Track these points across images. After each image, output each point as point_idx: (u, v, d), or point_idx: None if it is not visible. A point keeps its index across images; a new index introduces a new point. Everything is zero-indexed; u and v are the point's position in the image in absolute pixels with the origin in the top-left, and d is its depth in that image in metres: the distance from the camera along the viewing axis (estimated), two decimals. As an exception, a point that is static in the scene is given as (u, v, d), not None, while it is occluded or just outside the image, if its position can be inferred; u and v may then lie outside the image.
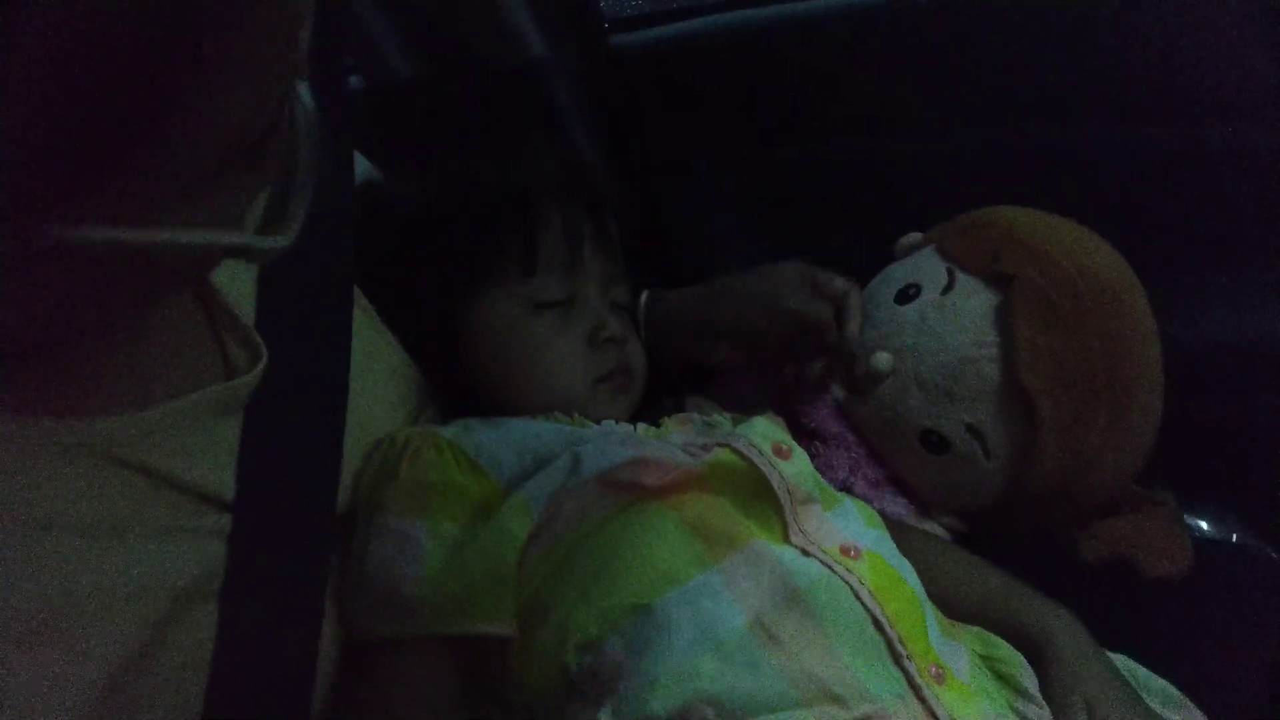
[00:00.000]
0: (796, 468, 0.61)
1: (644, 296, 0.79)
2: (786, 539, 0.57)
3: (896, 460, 0.79)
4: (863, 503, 0.67)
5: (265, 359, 0.51)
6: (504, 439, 0.61)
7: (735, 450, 0.61)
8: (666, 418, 0.69)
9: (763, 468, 0.60)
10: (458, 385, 0.70)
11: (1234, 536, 0.85)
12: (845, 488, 0.77)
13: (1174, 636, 0.73)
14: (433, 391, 0.71)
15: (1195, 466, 0.82)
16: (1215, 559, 0.81)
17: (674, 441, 0.63)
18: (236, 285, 0.54)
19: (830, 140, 1.07)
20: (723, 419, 0.69)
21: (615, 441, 0.61)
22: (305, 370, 0.55)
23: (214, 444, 0.49)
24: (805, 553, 0.56)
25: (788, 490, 0.59)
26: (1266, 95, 0.96)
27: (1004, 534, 0.79)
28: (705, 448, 0.61)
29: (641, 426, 0.68)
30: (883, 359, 0.76)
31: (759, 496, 0.59)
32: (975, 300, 0.74)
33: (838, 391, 0.81)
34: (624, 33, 1.08)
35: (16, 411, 0.41)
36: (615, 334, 0.70)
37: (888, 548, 0.62)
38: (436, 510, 0.56)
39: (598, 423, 0.67)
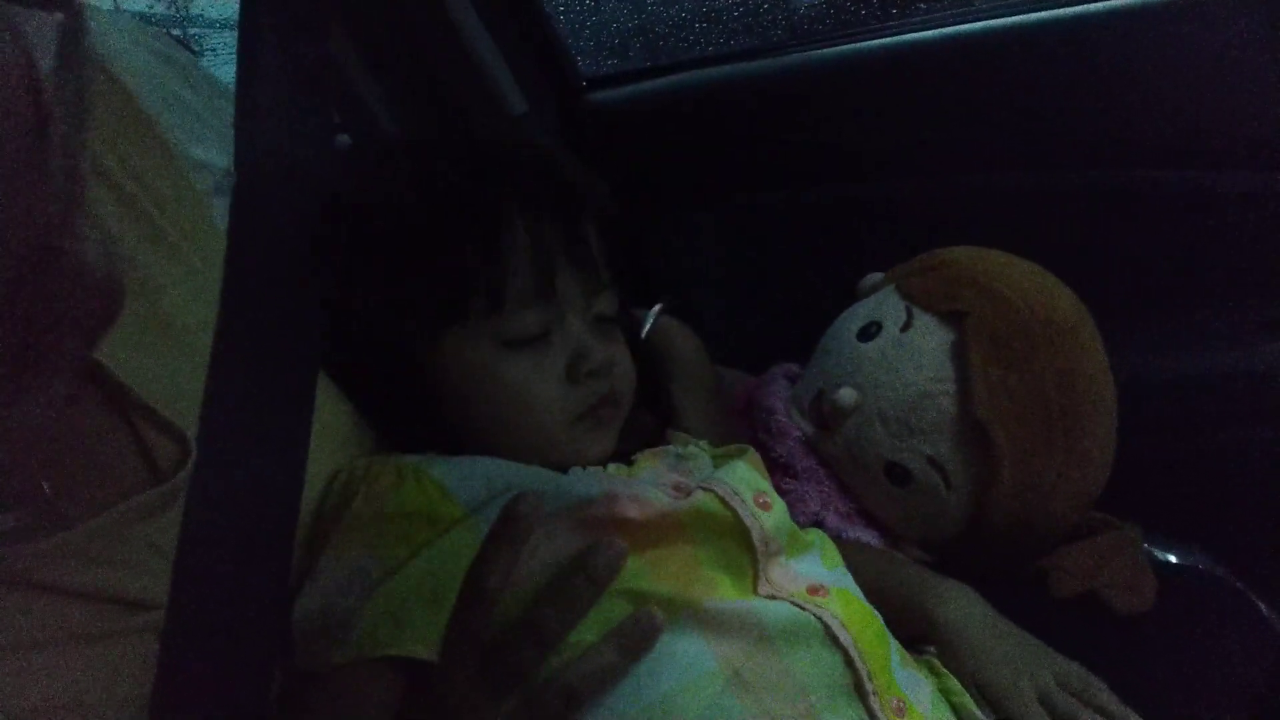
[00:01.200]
0: (775, 520, 0.59)
1: (655, 310, 0.80)
2: (754, 589, 0.57)
3: (864, 493, 0.82)
4: (826, 539, 0.66)
5: (194, 453, 0.47)
6: (472, 469, 0.58)
7: (720, 497, 0.58)
8: (640, 454, 0.66)
9: (746, 520, 0.57)
10: (416, 434, 0.63)
11: (1196, 564, 0.87)
12: (817, 521, 0.79)
13: (1138, 664, 0.74)
14: (382, 443, 0.64)
15: (1156, 497, 0.84)
16: (1177, 586, 0.82)
17: (648, 480, 0.61)
18: (162, 374, 0.50)
19: (799, 188, 1.11)
20: (699, 450, 0.67)
21: (589, 478, 0.60)
22: (257, 457, 0.48)
23: (140, 548, 0.46)
24: (773, 597, 0.56)
25: (765, 543, 0.58)
26: (1227, 139, 1.01)
27: (972, 564, 0.79)
28: (686, 490, 0.59)
29: (614, 467, 0.64)
30: (847, 394, 0.79)
31: (735, 544, 0.57)
32: (932, 337, 0.77)
33: (806, 426, 0.84)
34: (601, 90, 1.13)
35: None
36: (597, 365, 0.63)
37: (851, 582, 0.62)
38: (390, 541, 0.53)
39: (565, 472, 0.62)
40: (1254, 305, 1.02)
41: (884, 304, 0.84)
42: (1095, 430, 0.75)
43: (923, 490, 0.77)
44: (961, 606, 0.67)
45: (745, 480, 0.61)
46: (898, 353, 0.78)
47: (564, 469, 0.62)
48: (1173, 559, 0.91)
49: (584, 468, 0.63)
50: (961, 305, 0.77)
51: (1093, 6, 1.05)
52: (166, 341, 0.52)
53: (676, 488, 0.59)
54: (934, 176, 1.08)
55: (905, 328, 0.79)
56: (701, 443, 0.69)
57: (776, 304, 1.11)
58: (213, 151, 0.64)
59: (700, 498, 0.57)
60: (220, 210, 0.60)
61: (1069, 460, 0.73)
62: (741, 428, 0.86)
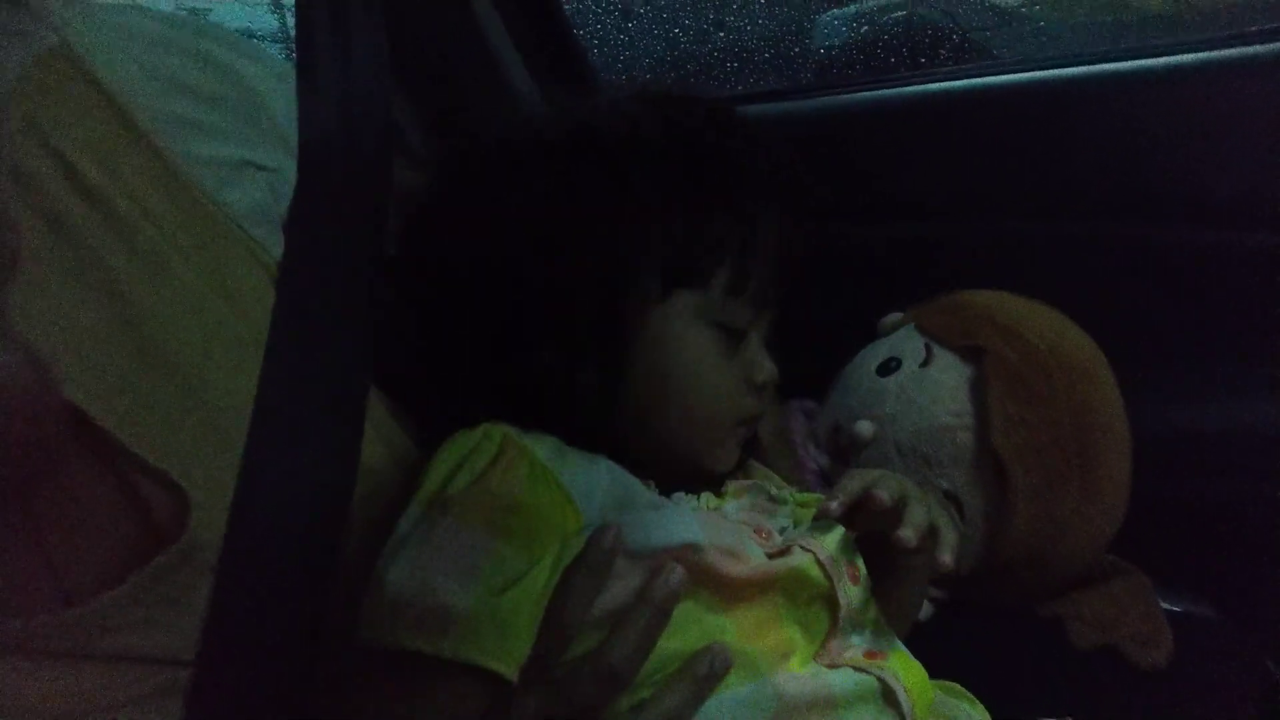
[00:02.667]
0: (861, 595, 0.57)
1: None
2: (815, 657, 0.56)
3: (879, 527, 0.81)
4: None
5: (189, 510, 0.45)
6: (597, 473, 0.55)
7: (819, 563, 0.56)
8: (729, 484, 0.63)
9: (838, 592, 0.55)
10: (554, 397, 0.58)
11: (1202, 613, 0.87)
12: None
13: (1146, 711, 0.75)
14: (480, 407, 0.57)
15: (1163, 546, 0.85)
16: (1182, 634, 0.82)
17: (736, 515, 0.60)
18: (148, 414, 0.47)
19: (820, 227, 1.12)
20: (785, 495, 0.64)
21: (692, 518, 0.55)
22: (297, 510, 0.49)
23: (158, 606, 0.44)
24: (834, 665, 0.55)
25: (848, 618, 0.56)
26: (1249, 199, 1.02)
27: (985, 603, 0.81)
28: (768, 535, 0.58)
29: (705, 496, 0.61)
30: (865, 426, 0.80)
31: (820, 611, 0.56)
32: (951, 373, 0.79)
33: (822, 460, 0.84)
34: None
35: None
36: (770, 378, 0.62)
37: (898, 642, 0.60)
38: (515, 533, 0.50)
39: (669, 496, 0.60)
40: (1269, 362, 1.02)
41: (903, 341, 0.85)
42: (1111, 469, 0.76)
43: None
44: None
45: (842, 549, 0.58)
46: (917, 387, 0.79)
47: (697, 471, 0.61)
48: (1177, 608, 0.92)
49: (686, 493, 0.61)
50: (981, 342, 0.78)
51: (1117, 65, 1.07)
52: (151, 374, 0.47)
53: (759, 531, 0.58)
54: (955, 221, 1.09)
55: (925, 363, 0.81)
56: (788, 489, 0.66)
57: (794, 340, 1.11)
58: (218, 143, 0.58)
59: (801, 559, 0.55)
60: (232, 204, 0.55)
61: (1085, 497, 0.74)
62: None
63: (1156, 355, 0.99)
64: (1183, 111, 1.03)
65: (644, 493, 0.56)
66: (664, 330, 0.58)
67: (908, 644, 0.59)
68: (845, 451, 0.82)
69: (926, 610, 0.82)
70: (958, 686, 0.62)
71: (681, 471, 0.61)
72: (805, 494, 0.65)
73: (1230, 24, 1.13)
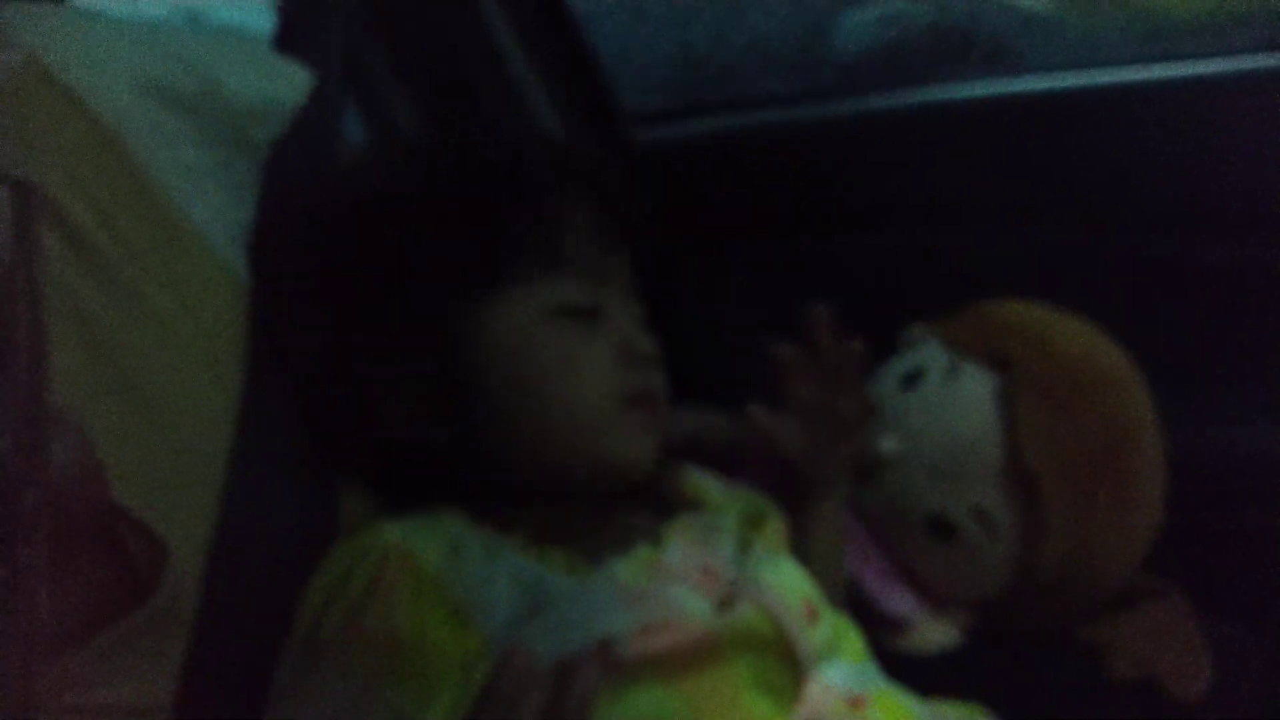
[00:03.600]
0: (821, 634, 0.55)
1: None
2: (792, 709, 0.52)
3: (904, 549, 0.80)
4: (841, 623, 0.60)
5: (170, 565, 0.46)
6: (497, 574, 0.51)
7: (767, 612, 0.52)
8: (667, 527, 0.57)
9: (794, 640, 0.52)
10: (431, 433, 0.56)
11: (1234, 632, 0.85)
12: (855, 580, 0.77)
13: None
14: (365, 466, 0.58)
15: (1197, 566, 0.83)
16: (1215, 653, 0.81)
17: (681, 566, 0.54)
18: (131, 459, 0.47)
19: (843, 234, 1.11)
20: (724, 521, 0.60)
21: (616, 597, 0.52)
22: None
23: (142, 658, 0.45)
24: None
25: (811, 661, 0.53)
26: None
27: (1017, 626, 0.80)
28: (716, 578, 0.54)
29: (643, 549, 0.55)
30: (889, 442, 0.77)
31: (778, 663, 0.52)
32: (978, 385, 0.76)
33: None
34: (644, 125, 1.14)
35: None
36: (649, 351, 0.59)
37: (878, 675, 0.58)
38: (403, 675, 0.47)
39: (599, 566, 0.54)
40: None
41: (927, 354, 0.83)
42: (1144, 482, 0.75)
43: (967, 544, 0.75)
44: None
45: (792, 586, 0.56)
46: (942, 400, 0.77)
47: (608, 473, 0.58)
48: (1212, 629, 0.89)
49: (619, 556, 0.54)
50: (1008, 353, 0.76)
51: (1149, 73, 1.03)
52: (133, 415, 0.47)
53: (707, 573, 0.54)
54: (978, 231, 1.07)
55: (949, 376, 0.79)
56: (727, 507, 0.62)
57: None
58: (193, 148, 0.56)
59: (745, 614, 0.52)
60: (198, 216, 0.55)
61: (1117, 514, 0.73)
62: (775, 482, 0.85)
63: (1190, 374, 0.97)
64: (1217, 122, 0.99)
65: (557, 582, 0.51)
66: (500, 338, 0.56)
67: (938, 675, 0.57)
68: (868, 469, 0.79)
69: (958, 637, 0.80)
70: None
71: (598, 481, 0.57)
72: (740, 498, 0.63)
73: (1261, 32, 1.10)
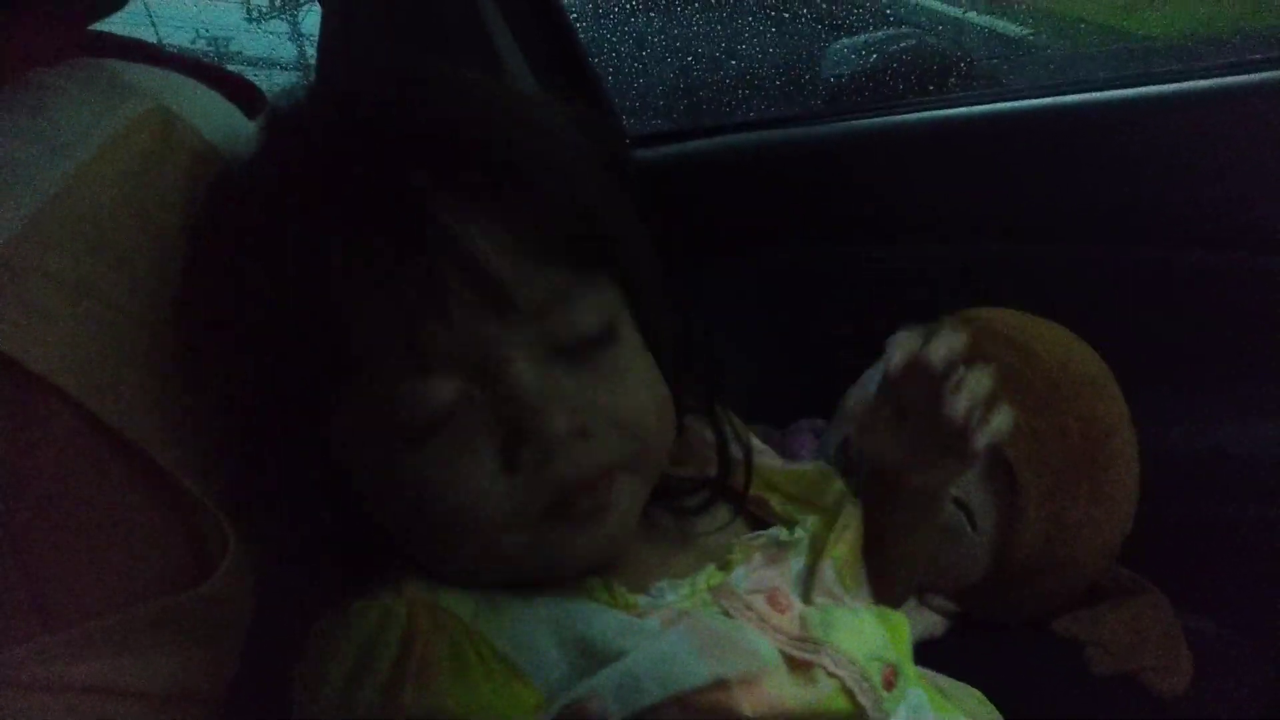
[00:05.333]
0: (895, 698, 0.49)
1: None
2: None
3: (888, 538, 0.82)
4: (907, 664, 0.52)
5: (230, 552, 0.44)
6: (539, 619, 0.43)
7: (846, 688, 0.46)
8: (735, 545, 0.51)
9: (871, 715, 0.46)
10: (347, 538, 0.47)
11: (1209, 629, 0.87)
12: None
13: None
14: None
15: (1172, 563, 0.86)
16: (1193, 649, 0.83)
17: (747, 590, 0.49)
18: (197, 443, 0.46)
19: (829, 249, 1.14)
20: (797, 533, 0.53)
21: (686, 642, 0.43)
22: None
23: (176, 637, 0.44)
24: None
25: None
26: (1253, 223, 1.02)
27: (997, 614, 0.82)
28: (783, 607, 0.48)
29: (708, 572, 0.49)
30: (874, 438, 0.80)
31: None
32: (959, 384, 0.79)
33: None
34: (644, 148, 1.18)
35: None
36: (547, 441, 0.41)
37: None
38: None
39: (646, 591, 0.47)
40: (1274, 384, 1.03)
41: (911, 355, 0.86)
42: (1119, 475, 0.77)
43: (948, 531, 0.77)
44: None
45: (874, 648, 0.48)
46: None
47: (560, 578, 0.46)
48: (1189, 625, 0.91)
49: (670, 581, 0.48)
50: (989, 354, 0.78)
51: (1122, 92, 1.08)
52: (173, 382, 0.46)
53: (772, 600, 0.48)
54: (961, 244, 1.11)
55: (933, 376, 0.81)
56: (796, 515, 0.55)
57: (802, 361, 1.13)
58: None
59: (825, 690, 0.46)
60: None
61: (1093, 502, 0.75)
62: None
63: (1164, 376, 1.00)
64: (1186, 137, 1.04)
65: (603, 619, 0.44)
66: (356, 453, 0.44)
67: (920, 665, 0.53)
68: (854, 466, 0.82)
69: (941, 626, 0.83)
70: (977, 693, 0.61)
71: (550, 575, 0.45)
72: (803, 478, 0.57)
73: (1233, 53, 1.15)
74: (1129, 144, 1.06)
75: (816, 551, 0.52)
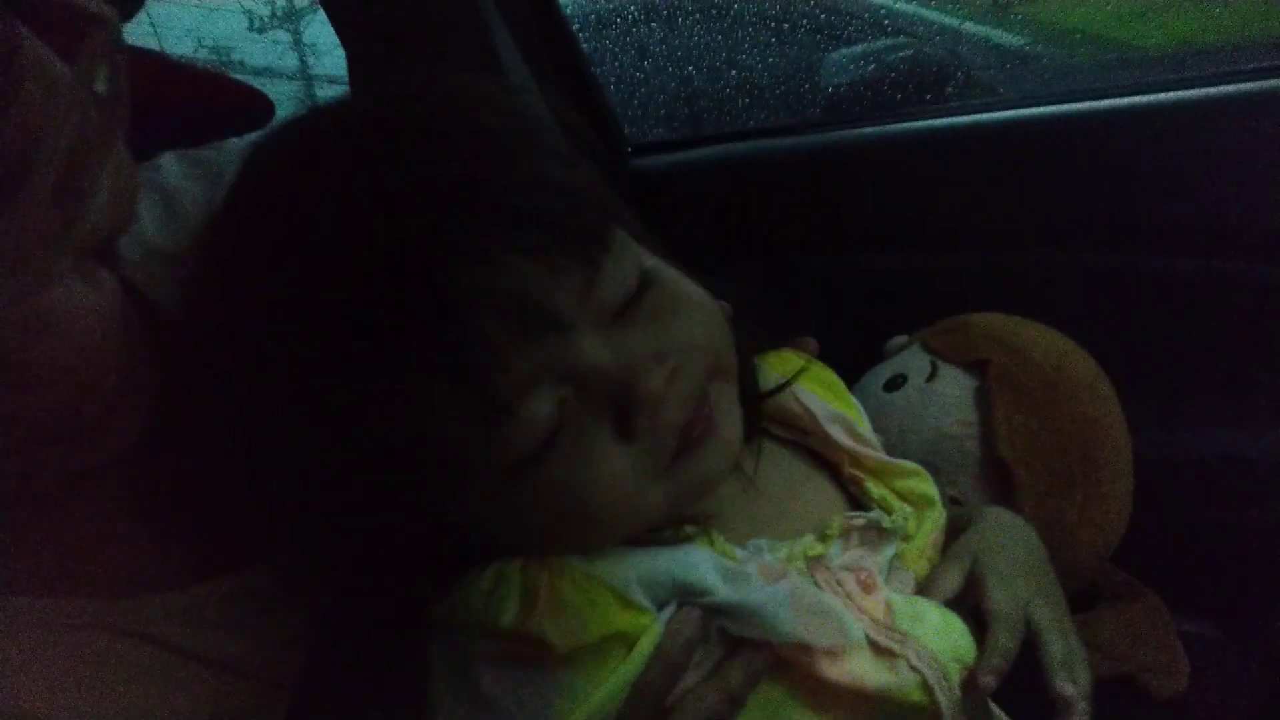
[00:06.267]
0: (975, 701, 0.50)
1: None
2: None
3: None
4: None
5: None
6: (647, 564, 0.46)
7: (926, 683, 0.47)
8: (833, 520, 0.52)
9: (945, 714, 0.48)
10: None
11: (1206, 633, 0.88)
12: None
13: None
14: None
15: (1167, 568, 0.87)
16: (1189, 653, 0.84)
17: (840, 566, 0.50)
18: None
19: (829, 255, 1.15)
20: (897, 520, 0.54)
21: (783, 599, 0.46)
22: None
23: (251, 613, 0.46)
24: None
25: None
26: (1246, 231, 1.04)
27: None
28: (890, 651, 0.48)
29: (808, 540, 0.51)
30: (873, 439, 0.81)
31: (915, 715, 0.48)
32: (956, 385, 0.81)
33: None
34: (646, 155, 1.20)
35: (41, 592, 0.40)
36: (653, 397, 0.43)
37: None
38: (588, 666, 0.43)
39: (743, 545, 0.49)
40: (1269, 390, 1.04)
41: (909, 359, 0.88)
42: (1113, 476, 0.78)
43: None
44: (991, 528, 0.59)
45: (957, 650, 0.49)
46: (923, 400, 0.82)
47: (691, 505, 0.48)
48: (1185, 629, 0.92)
49: (769, 540, 0.50)
50: (986, 357, 0.81)
51: (1116, 102, 1.09)
52: None
53: (861, 581, 0.49)
54: (959, 251, 1.12)
55: (930, 378, 0.83)
56: (896, 506, 0.56)
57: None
58: None
59: (905, 681, 0.47)
60: None
61: (1088, 502, 0.76)
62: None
63: (1162, 381, 1.01)
64: (1181, 146, 1.05)
65: (706, 562, 0.47)
66: (484, 516, 0.45)
67: None
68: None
69: None
70: None
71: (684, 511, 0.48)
72: (903, 471, 0.57)
73: (1228, 62, 1.16)
74: (1124, 153, 1.07)
75: (904, 544, 0.54)
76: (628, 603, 0.44)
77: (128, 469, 0.43)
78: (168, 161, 0.54)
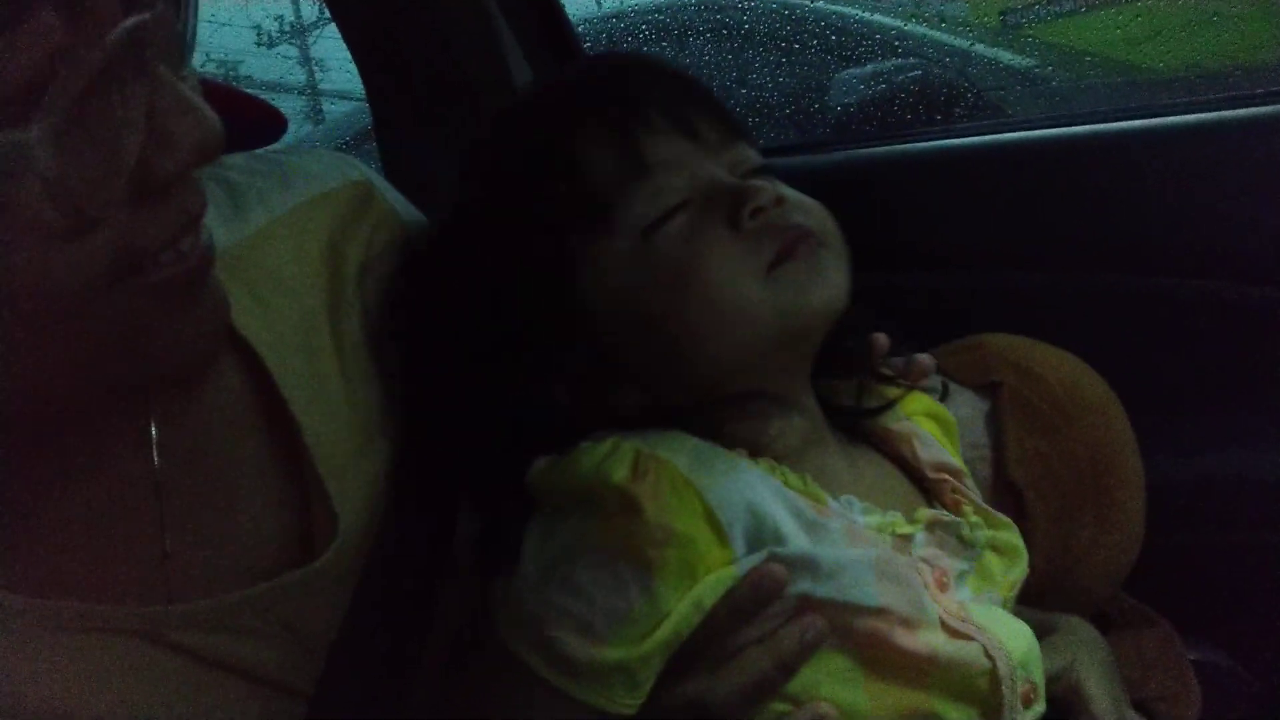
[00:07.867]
0: (1026, 715, 0.51)
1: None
2: None
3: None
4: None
5: (339, 538, 0.50)
6: (741, 484, 0.49)
7: (995, 672, 0.49)
8: (922, 511, 0.56)
9: (1006, 709, 0.50)
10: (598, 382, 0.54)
11: (1215, 660, 0.88)
12: None
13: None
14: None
15: (1175, 593, 0.85)
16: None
17: (923, 555, 0.53)
18: (329, 429, 0.52)
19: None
20: (979, 537, 0.56)
21: (869, 563, 0.49)
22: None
23: (273, 623, 0.47)
24: None
25: None
26: (1254, 253, 1.04)
27: None
28: (964, 634, 0.50)
29: (893, 515, 0.54)
30: (883, 461, 0.81)
31: (977, 715, 0.50)
32: (967, 407, 0.80)
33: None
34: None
35: (51, 593, 0.41)
36: (764, 201, 0.52)
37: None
38: (668, 569, 0.46)
39: (835, 497, 0.53)
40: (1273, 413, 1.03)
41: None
42: (1126, 500, 0.77)
43: None
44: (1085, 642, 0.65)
45: (1026, 660, 0.51)
46: None
47: (796, 339, 0.54)
48: (1194, 657, 0.91)
49: (859, 500, 0.53)
50: (997, 379, 0.80)
51: (1126, 125, 1.10)
52: (348, 397, 0.55)
53: (938, 577, 0.52)
54: (968, 272, 1.12)
55: (941, 399, 0.82)
56: (982, 523, 0.58)
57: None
58: None
59: (975, 664, 0.49)
60: None
61: (1100, 527, 0.76)
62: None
63: (1176, 404, 1.01)
64: (1189, 169, 1.05)
65: (795, 505, 0.50)
66: (613, 282, 0.53)
67: None
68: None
69: None
70: None
71: (787, 333, 0.52)
72: (996, 523, 0.59)
73: (1236, 86, 1.17)
74: (1134, 175, 1.08)
75: (982, 575, 0.56)
76: (712, 525, 0.47)
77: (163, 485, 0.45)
78: (233, 159, 0.61)
